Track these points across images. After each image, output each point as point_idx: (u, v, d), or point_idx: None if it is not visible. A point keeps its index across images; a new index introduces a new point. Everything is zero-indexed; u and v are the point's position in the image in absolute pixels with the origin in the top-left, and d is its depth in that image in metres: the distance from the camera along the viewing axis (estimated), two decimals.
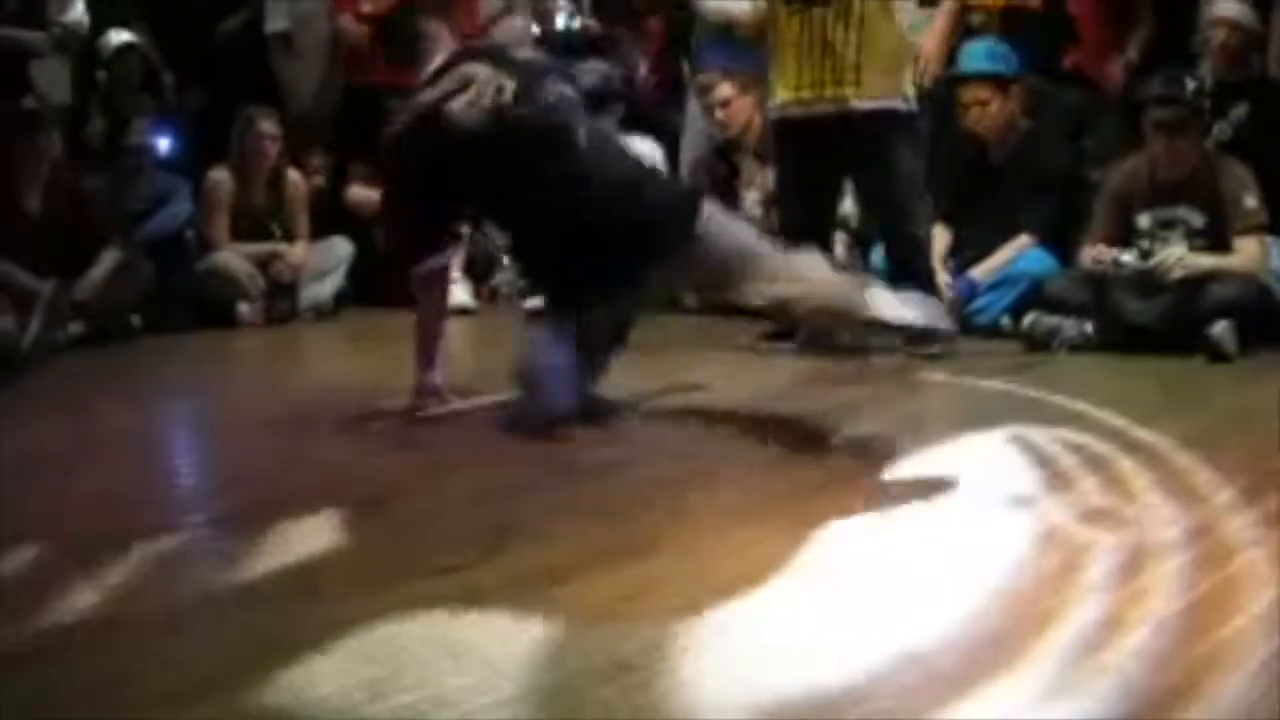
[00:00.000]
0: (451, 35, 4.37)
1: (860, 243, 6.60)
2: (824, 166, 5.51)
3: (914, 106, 5.52)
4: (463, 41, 7.76)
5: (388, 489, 3.47)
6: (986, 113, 6.21)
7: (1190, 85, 5.65)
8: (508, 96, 4.03)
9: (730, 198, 6.81)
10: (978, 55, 6.29)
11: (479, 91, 4.03)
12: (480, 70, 4.10)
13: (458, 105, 4.03)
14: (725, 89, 6.77)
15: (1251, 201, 5.50)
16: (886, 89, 5.37)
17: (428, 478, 3.63)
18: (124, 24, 7.56)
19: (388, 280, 7.18)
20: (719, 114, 6.85)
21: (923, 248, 5.57)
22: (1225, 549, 2.83)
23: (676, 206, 4.05)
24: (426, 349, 4.30)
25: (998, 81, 6.21)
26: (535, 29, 8.29)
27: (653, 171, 4.38)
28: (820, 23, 5.33)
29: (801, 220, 5.48)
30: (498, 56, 4.24)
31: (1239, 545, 2.86)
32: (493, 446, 3.91)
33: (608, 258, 3.91)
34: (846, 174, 5.74)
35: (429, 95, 4.10)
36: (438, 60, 4.23)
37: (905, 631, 2.37)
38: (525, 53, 4.71)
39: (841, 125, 5.34)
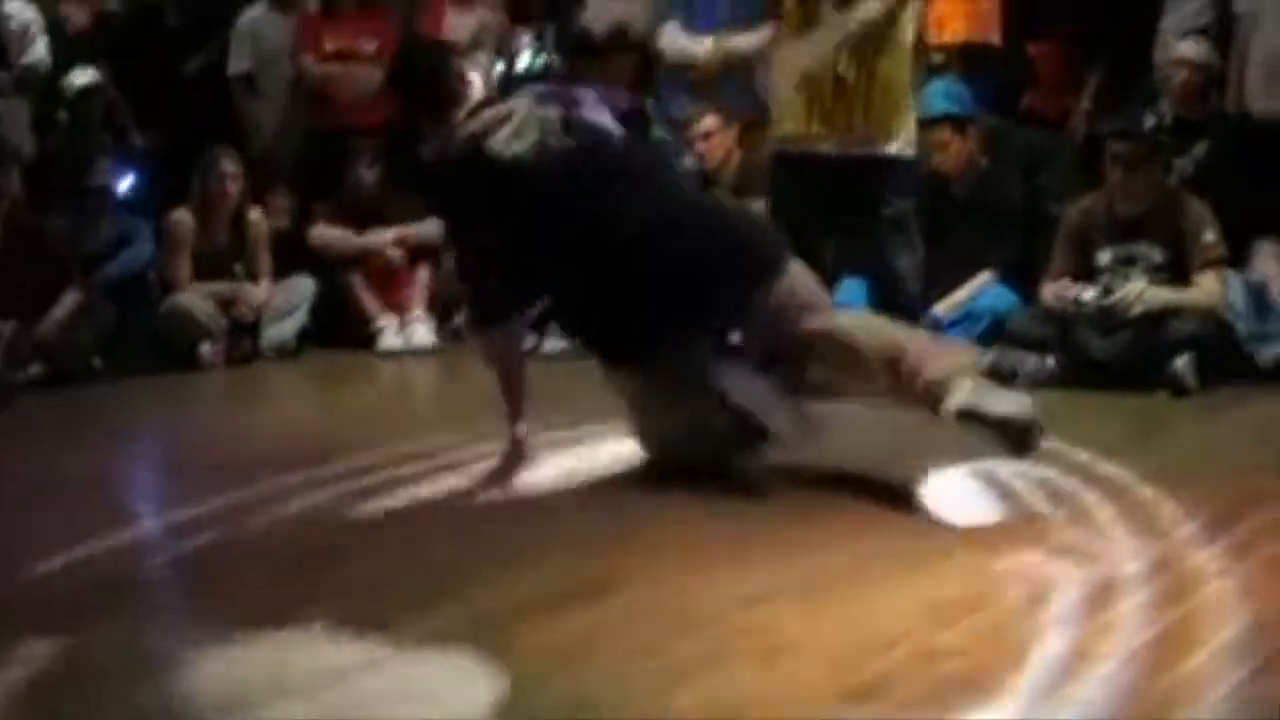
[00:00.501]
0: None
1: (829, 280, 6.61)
2: (820, 203, 5.45)
3: (914, 150, 5.49)
4: None
5: (350, 534, 3.44)
6: (947, 153, 6.24)
7: (1150, 121, 5.69)
8: (554, 126, 3.87)
9: None
10: (936, 96, 6.32)
11: (523, 122, 3.85)
12: (521, 103, 3.94)
13: (502, 139, 3.84)
14: (709, 122, 6.77)
15: (1210, 236, 5.53)
16: (893, 133, 5.30)
17: (388, 522, 3.60)
18: (87, 64, 7.54)
19: (348, 320, 7.21)
20: (699, 147, 6.84)
21: (908, 285, 5.54)
22: (1189, 582, 2.84)
23: (759, 239, 3.99)
24: (514, 402, 4.07)
25: (955, 121, 6.24)
26: (500, 67, 8.30)
27: (712, 199, 4.36)
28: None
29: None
30: (531, 90, 4.08)
31: (1203, 578, 2.87)
32: (456, 490, 3.89)
33: (684, 302, 3.77)
34: (841, 211, 5.67)
35: (470, 128, 3.90)
36: (473, 99, 4.03)
37: (874, 663, 2.37)
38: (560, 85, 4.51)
39: (842, 163, 5.30)
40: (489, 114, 3.92)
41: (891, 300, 5.35)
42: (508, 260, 3.87)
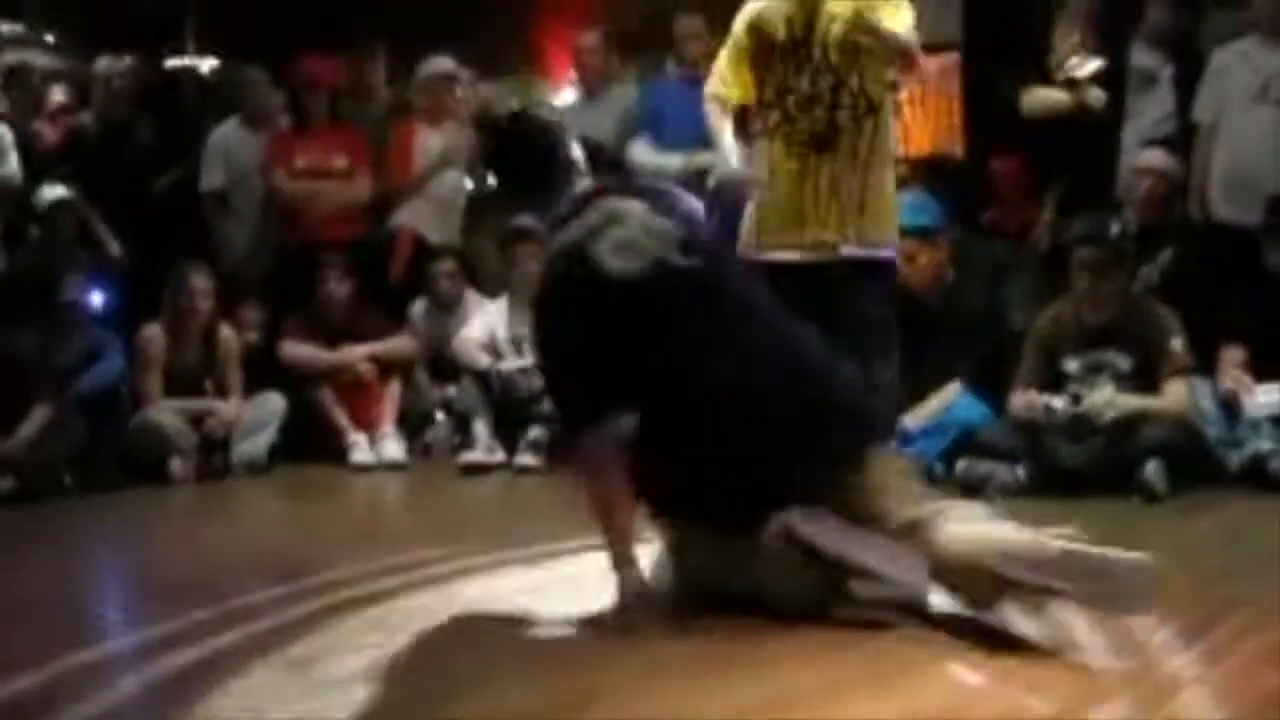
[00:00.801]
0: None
1: None
2: (803, 309, 5.31)
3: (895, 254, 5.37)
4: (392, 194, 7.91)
5: (320, 649, 3.42)
6: (915, 265, 6.26)
7: (1114, 228, 5.78)
8: (672, 243, 3.46)
9: None
10: (905, 210, 6.38)
11: (636, 233, 3.44)
12: (634, 206, 3.51)
13: (608, 247, 3.41)
14: None
15: (1178, 345, 5.60)
16: (880, 237, 5.20)
17: (365, 635, 3.58)
18: (58, 180, 7.57)
19: (319, 435, 7.20)
20: None
21: (890, 394, 5.47)
22: (1166, 689, 2.84)
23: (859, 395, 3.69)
24: (621, 540, 3.43)
25: (925, 234, 6.28)
26: (469, 185, 8.36)
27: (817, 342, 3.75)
28: (827, 169, 5.08)
29: None
30: (647, 191, 3.69)
31: (1179, 684, 2.87)
32: (432, 604, 3.87)
33: (789, 458, 3.38)
34: (824, 316, 5.51)
35: (573, 232, 3.46)
36: (577, 190, 3.63)
37: None
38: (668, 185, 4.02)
39: (826, 268, 5.16)
40: (594, 215, 3.49)
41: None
42: (600, 364, 3.40)
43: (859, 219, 5.10)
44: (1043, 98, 6.71)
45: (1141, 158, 6.44)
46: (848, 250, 5.12)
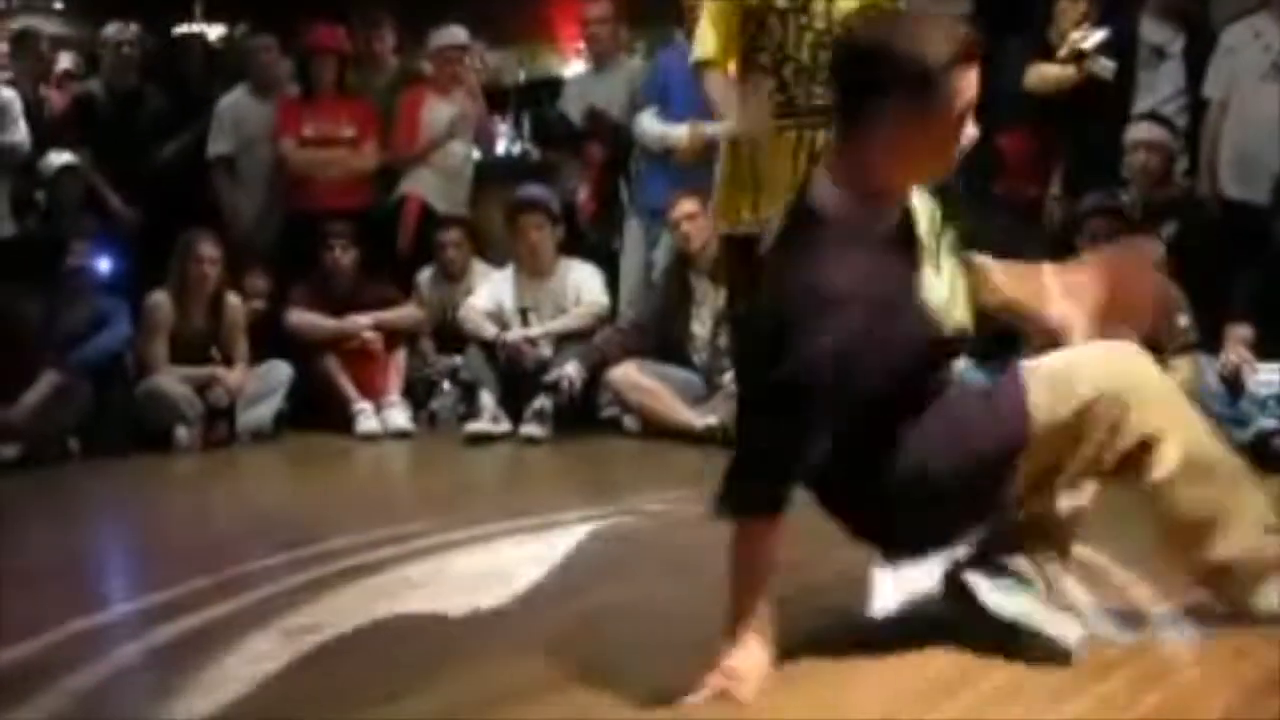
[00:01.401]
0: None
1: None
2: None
3: None
4: (400, 163, 7.92)
5: (322, 617, 3.43)
6: None
7: (1126, 201, 5.77)
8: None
9: (682, 318, 6.86)
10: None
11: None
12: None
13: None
14: (688, 205, 6.76)
15: (1183, 321, 5.59)
16: None
17: (368, 604, 3.58)
18: (66, 146, 7.57)
19: (325, 404, 7.21)
20: (684, 228, 6.83)
21: None
22: (1167, 666, 2.84)
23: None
24: (753, 604, 2.88)
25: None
26: (476, 154, 8.36)
27: None
28: (822, 145, 4.80)
29: None
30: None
31: (1180, 661, 2.87)
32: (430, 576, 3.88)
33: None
34: None
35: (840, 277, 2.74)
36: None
37: None
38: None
39: None
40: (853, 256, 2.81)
41: None
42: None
43: None
44: (1045, 73, 6.68)
45: (1132, 131, 6.41)
46: None
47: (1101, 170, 6.36)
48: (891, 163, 2.83)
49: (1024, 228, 6.72)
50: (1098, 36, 6.56)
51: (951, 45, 2.75)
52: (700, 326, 6.84)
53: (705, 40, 5.05)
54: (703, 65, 5.10)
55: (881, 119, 2.77)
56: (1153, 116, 6.48)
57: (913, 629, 3.12)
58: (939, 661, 2.88)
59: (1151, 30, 6.71)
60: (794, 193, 3.03)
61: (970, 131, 2.85)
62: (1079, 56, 6.56)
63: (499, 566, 3.89)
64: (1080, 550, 3.83)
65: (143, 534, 4.96)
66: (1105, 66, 6.53)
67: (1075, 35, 6.59)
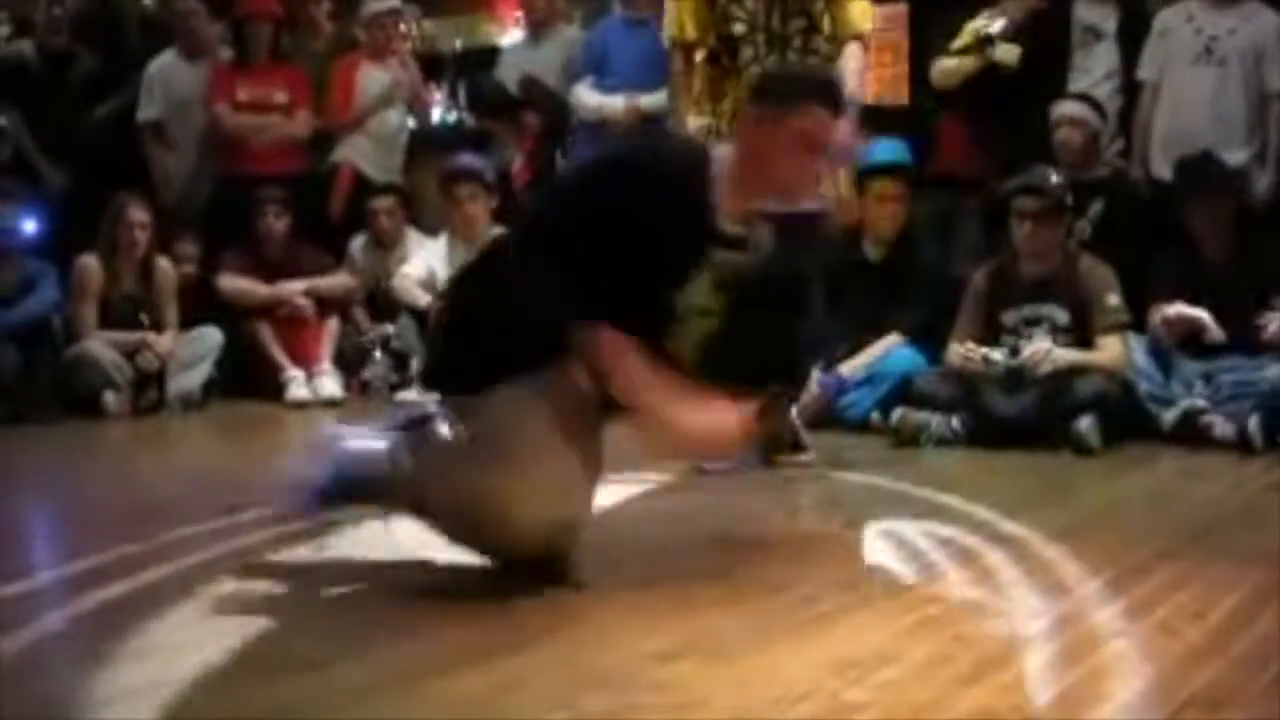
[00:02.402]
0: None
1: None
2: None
3: (828, 204, 5.18)
4: (334, 130, 7.85)
5: (260, 584, 3.41)
6: (885, 210, 6.30)
7: (1054, 179, 5.81)
8: None
9: None
10: (889, 150, 6.40)
11: None
12: None
13: None
14: None
15: (1114, 299, 5.64)
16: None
17: (297, 573, 3.56)
18: None
19: (256, 370, 7.16)
20: None
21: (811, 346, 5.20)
22: (1091, 640, 2.87)
23: None
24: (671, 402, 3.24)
25: (905, 178, 6.32)
26: (411, 122, 8.32)
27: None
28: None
29: None
30: None
31: (1105, 637, 2.90)
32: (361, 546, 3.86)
33: None
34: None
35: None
36: None
37: (783, 718, 2.38)
38: None
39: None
40: None
41: None
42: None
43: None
44: (945, 67, 6.70)
45: (1057, 108, 6.44)
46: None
47: (1035, 151, 6.40)
48: None
49: (960, 204, 6.76)
50: (999, 24, 6.57)
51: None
52: None
53: (671, 17, 5.15)
54: (671, 44, 5.19)
55: None
56: (1080, 96, 6.51)
57: (844, 602, 3.15)
58: (857, 639, 2.89)
59: (1086, 10, 6.75)
60: None
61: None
62: (984, 43, 6.56)
63: (428, 537, 3.86)
64: (1010, 527, 3.90)
65: (70, 500, 4.91)
66: (1008, 52, 6.54)
67: (978, 23, 6.60)
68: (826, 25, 4.99)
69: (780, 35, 4.97)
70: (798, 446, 5.04)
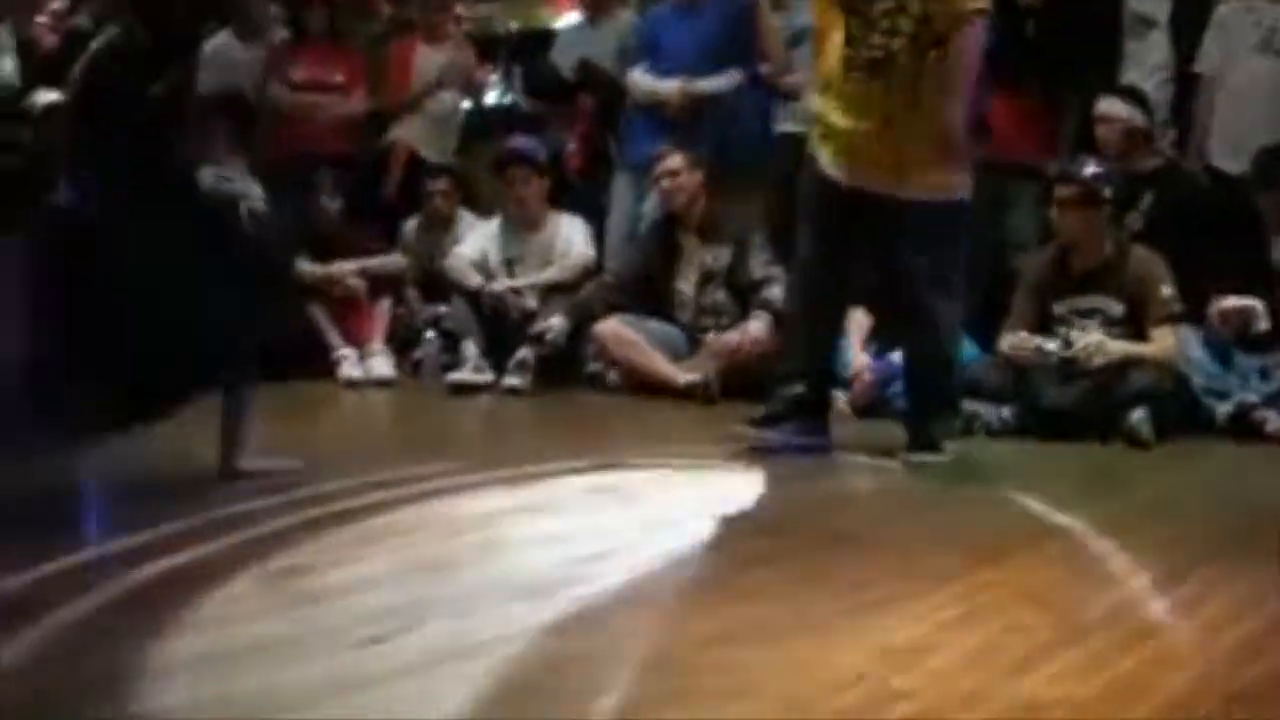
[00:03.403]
0: None
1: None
2: (858, 235, 5.03)
3: (966, 195, 5.02)
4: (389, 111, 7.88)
5: (303, 561, 3.43)
6: None
7: (1090, 168, 5.76)
8: None
9: (668, 275, 6.84)
10: None
11: None
12: None
13: None
14: (674, 160, 6.74)
15: (1166, 291, 5.59)
16: (938, 183, 4.90)
17: (348, 549, 3.59)
18: (54, 85, 7.53)
19: (308, 349, 7.19)
20: (665, 183, 6.81)
21: (943, 346, 5.10)
22: (1141, 633, 2.86)
23: None
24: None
25: None
26: (466, 104, 8.33)
27: None
28: (879, 101, 4.83)
29: (822, 290, 5.15)
30: None
31: (1154, 629, 2.89)
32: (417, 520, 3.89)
33: None
34: (876, 248, 5.13)
35: None
36: None
37: (830, 704, 2.39)
38: None
39: (877, 198, 4.89)
40: None
41: (927, 366, 5.13)
42: None
43: (913, 164, 4.86)
44: None
45: (1098, 106, 6.36)
46: (901, 192, 4.86)
47: (1089, 137, 6.35)
48: None
49: (1015, 188, 6.68)
50: None
51: None
52: (685, 284, 6.82)
53: None
54: None
55: None
56: (1123, 91, 6.45)
57: (894, 591, 3.15)
58: (904, 627, 2.90)
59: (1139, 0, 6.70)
60: None
61: None
62: None
63: (484, 514, 3.90)
64: (1062, 519, 3.89)
65: (124, 474, 4.95)
66: None
67: None
68: (916, 7, 4.79)
69: (870, 19, 4.90)
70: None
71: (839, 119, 4.92)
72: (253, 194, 6.94)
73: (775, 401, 5.05)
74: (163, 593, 3.12)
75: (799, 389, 5.01)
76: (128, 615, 2.98)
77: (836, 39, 4.93)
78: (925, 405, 5.00)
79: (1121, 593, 3.19)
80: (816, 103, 5.13)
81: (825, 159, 4.98)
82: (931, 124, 4.82)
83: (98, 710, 2.37)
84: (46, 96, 7.50)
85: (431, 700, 2.40)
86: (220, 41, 7.91)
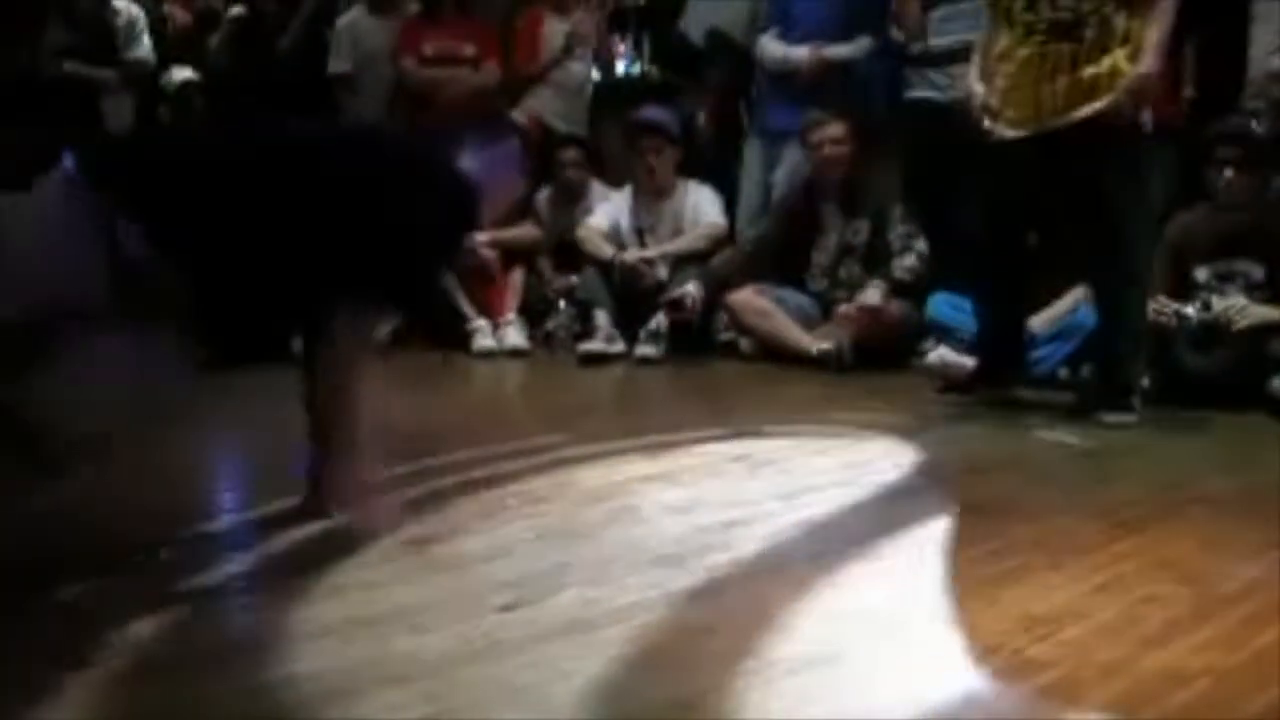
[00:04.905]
0: None
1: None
2: (1031, 186, 5.14)
3: (1148, 124, 5.10)
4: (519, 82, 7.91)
5: (436, 530, 3.47)
6: None
7: (1258, 127, 5.65)
8: None
9: (805, 244, 6.82)
10: None
11: None
12: None
13: None
14: (837, 128, 6.69)
15: None
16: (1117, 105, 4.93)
17: (481, 518, 3.62)
18: (190, 63, 7.68)
19: (441, 320, 7.25)
20: (828, 150, 6.78)
21: (1139, 296, 5.22)
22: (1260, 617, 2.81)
23: None
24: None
25: None
26: (596, 74, 8.35)
27: None
28: (1068, 58, 4.93)
29: (995, 250, 5.27)
30: None
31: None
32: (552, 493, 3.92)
33: None
34: (1054, 197, 5.20)
35: None
36: None
37: (964, 676, 2.38)
38: None
39: (1056, 144, 4.99)
40: None
41: (1119, 316, 5.19)
42: None
43: (1095, 91, 4.92)
44: None
45: (1273, 62, 6.20)
46: (1077, 112, 4.95)
47: (1226, 98, 6.21)
48: None
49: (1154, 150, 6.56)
50: None
51: None
52: (822, 254, 6.79)
53: None
54: None
55: None
56: None
57: (1032, 560, 3.13)
58: (1043, 598, 2.87)
59: None
60: None
61: None
62: None
63: (618, 483, 3.92)
64: (1202, 488, 3.83)
65: (260, 444, 5.03)
66: None
67: None
68: None
69: None
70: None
71: (1020, 81, 5.00)
72: None
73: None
74: (302, 559, 3.17)
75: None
76: (267, 583, 3.04)
77: (1017, 5, 5.00)
78: (1120, 351, 5.12)
79: (1262, 565, 3.12)
80: (994, 69, 5.16)
81: (1007, 123, 5.06)
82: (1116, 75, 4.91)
83: (250, 671, 2.42)
84: (181, 74, 7.65)
85: (567, 667, 2.42)
86: (354, 16, 8.02)
